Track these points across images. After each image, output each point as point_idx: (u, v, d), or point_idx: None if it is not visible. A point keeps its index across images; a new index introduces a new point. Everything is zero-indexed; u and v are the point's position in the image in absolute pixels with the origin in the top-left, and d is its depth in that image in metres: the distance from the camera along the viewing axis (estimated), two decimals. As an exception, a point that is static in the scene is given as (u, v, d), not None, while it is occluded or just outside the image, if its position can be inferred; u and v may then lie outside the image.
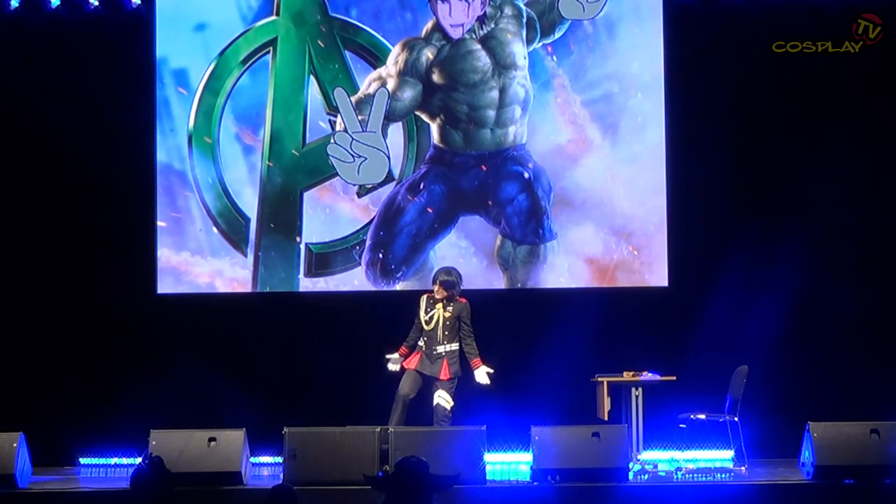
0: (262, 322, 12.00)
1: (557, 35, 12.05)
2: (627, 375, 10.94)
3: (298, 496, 6.70)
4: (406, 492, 6.22)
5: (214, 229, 12.14)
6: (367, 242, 12.08)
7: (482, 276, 12.01)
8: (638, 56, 12.06)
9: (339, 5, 12.19)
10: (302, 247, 12.13)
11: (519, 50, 12.00)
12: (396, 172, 12.09)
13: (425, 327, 10.76)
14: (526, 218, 12.03)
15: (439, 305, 10.74)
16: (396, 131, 12.11)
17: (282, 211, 12.15)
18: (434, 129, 12.09)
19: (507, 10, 12.03)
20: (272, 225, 12.14)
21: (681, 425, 11.02)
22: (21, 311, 12.07)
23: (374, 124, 12.02)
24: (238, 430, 10.34)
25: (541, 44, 12.04)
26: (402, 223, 12.08)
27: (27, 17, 12.06)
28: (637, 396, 10.85)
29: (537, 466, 10.17)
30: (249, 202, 12.16)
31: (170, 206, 12.16)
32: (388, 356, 10.84)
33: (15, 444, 10.19)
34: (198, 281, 12.14)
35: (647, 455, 11.07)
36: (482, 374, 10.72)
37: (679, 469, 10.86)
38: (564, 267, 12.04)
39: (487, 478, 10.17)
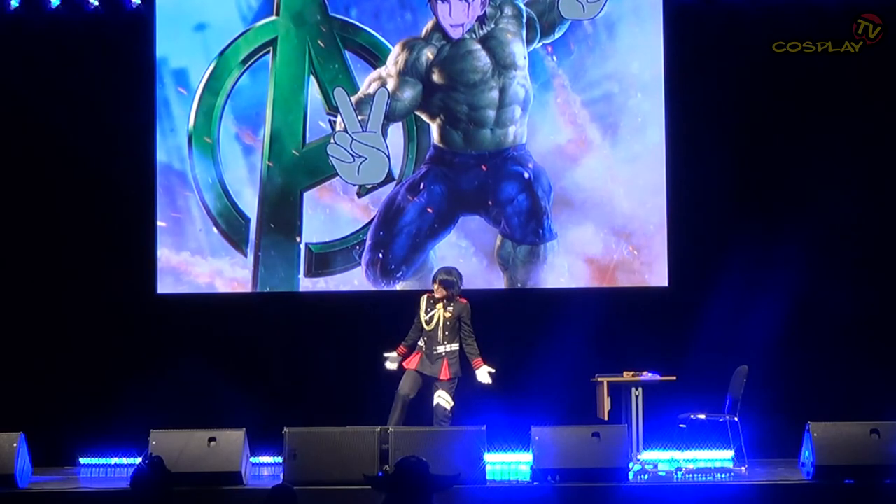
0: (261, 322, 12.00)
1: (557, 35, 12.04)
2: (627, 375, 10.94)
3: (298, 496, 6.70)
4: (406, 492, 6.22)
5: (214, 229, 12.14)
6: (367, 242, 12.08)
7: (482, 276, 12.00)
8: (638, 56, 12.06)
9: (339, 5, 12.18)
10: (302, 247, 12.12)
11: (519, 50, 11.99)
12: (396, 172, 12.08)
13: (426, 327, 10.75)
14: (526, 218, 12.02)
15: (440, 305, 10.74)
16: (396, 131, 12.11)
17: (282, 211, 12.14)
18: (434, 129, 12.09)
19: (507, 10, 12.03)
20: (272, 225, 12.13)
21: (681, 425, 11.01)
22: (21, 311, 12.06)
23: (374, 124, 12.02)
24: (238, 430, 10.33)
25: (541, 44, 12.04)
26: (402, 223, 12.08)
27: (27, 17, 12.05)
28: (637, 396, 10.85)
29: (537, 466, 10.16)
30: (249, 202, 12.15)
31: (170, 206, 12.16)
32: (385, 355, 10.85)
33: (15, 444, 10.18)
34: (198, 281, 12.14)
35: (647, 455, 11.06)
36: (484, 374, 10.72)
37: (679, 469, 10.86)
38: (564, 267, 12.03)
39: (487, 478, 10.16)
